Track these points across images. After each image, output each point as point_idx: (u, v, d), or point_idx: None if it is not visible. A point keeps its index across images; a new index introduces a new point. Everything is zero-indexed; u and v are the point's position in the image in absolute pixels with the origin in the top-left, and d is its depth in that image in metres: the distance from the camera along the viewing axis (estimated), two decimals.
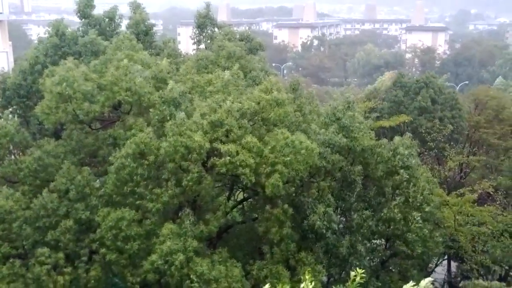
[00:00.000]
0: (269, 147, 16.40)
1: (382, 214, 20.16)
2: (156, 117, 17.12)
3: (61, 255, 17.06)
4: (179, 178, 16.41)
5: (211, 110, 16.50)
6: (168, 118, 16.78)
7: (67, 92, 17.81)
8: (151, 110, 17.54)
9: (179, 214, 17.13)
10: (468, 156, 34.46)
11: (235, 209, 22.88)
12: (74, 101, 18.01)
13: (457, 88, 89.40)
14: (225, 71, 18.87)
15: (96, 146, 20.14)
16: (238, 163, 15.62)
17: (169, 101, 16.90)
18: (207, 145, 15.89)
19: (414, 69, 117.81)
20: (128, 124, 18.20)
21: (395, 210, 19.72)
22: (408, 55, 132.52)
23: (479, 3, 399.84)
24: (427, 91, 37.37)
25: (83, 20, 29.16)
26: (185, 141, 15.64)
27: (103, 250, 16.77)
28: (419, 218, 19.60)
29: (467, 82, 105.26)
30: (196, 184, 16.16)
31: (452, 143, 35.74)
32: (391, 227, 20.28)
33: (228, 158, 15.68)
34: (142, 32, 28.64)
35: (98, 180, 18.67)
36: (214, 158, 16.13)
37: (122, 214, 16.39)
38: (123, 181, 16.61)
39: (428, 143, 34.75)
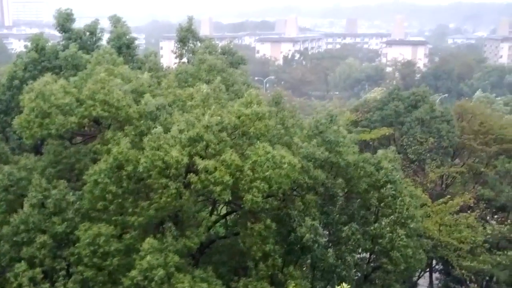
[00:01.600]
0: (249, 162, 16.28)
1: (371, 229, 20.09)
2: (133, 132, 16.93)
3: (38, 270, 16.77)
4: (159, 193, 16.18)
5: (189, 125, 16.35)
6: (146, 132, 16.61)
7: (42, 106, 17.50)
8: (126, 127, 17.36)
9: (160, 228, 16.89)
10: (450, 167, 34.82)
11: (218, 224, 22.67)
12: (51, 115, 17.70)
13: (437, 100, 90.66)
14: (205, 85, 18.77)
15: (74, 160, 19.84)
16: (212, 180, 15.51)
17: (146, 115, 16.73)
18: (185, 159, 15.72)
19: (394, 82, 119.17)
20: (106, 138, 17.93)
21: (387, 228, 19.66)
22: (388, 69, 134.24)
23: (457, 18, 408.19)
24: (425, 106, 38.23)
25: (63, 34, 28.90)
26: (163, 155, 15.46)
27: (80, 268, 16.42)
28: (403, 236, 19.56)
29: (446, 95, 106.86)
30: (176, 200, 15.95)
31: (438, 156, 36.06)
32: (377, 242, 20.21)
33: (204, 174, 15.56)
34: (124, 45, 28.45)
35: (71, 193, 18.26)
36: (191, 174, 15.98)
37: (99, 230, 16.08)
38: (98, 198, 16.34)
39: (409, 155, 35.08)
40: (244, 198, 16.03)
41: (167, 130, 16.52)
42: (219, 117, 16.51)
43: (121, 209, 16.56)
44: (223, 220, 22.76)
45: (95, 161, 18.79)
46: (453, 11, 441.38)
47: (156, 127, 16.27)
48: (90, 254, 16.04)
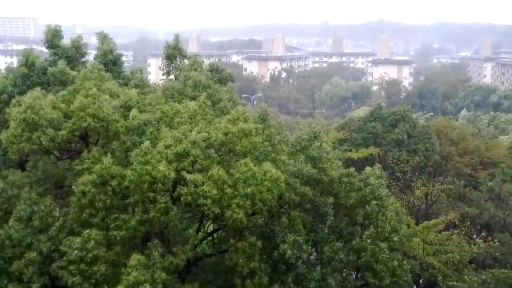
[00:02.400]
0: (232, 180, 16.30)
1: (354, 243, 20.12)
2: (119, 147, 16.88)
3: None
4: (146, 208, 16.06)
5: (176, 141, 16.35)
6: (131, 147, 16.56)
7: (32, 118, 17.38)
8: (114, 142, 17.31)
9: (147, 245, 16.73)
10: (433, 186, 35.08)
11: (205, 241, 22.52)
12: (40, 128, 17.58)
13: (422, 119, 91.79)
14: (192, 101, 18.81)
15: (61, 176, 19.67)
16: (201, 193, 15.49)
17: (133, 130, 16.71)
18: (172, 174, 15.70)
19: (380, 101, 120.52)
20: (92, 154, 17.83)
21: (368, 241, 19.68)
22: (374, 87, 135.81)
23: (441, 38, 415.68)
24: (404, 125, 38.24)
25: (51, 50, 28.92)
26: (150, 169, 15.42)
27: (66, 276, 16.06)
28: (385, 249, 19.59)
29: (431, 113, 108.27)
30: (164, 215, 15.85)
31: (422, 175, 36.32)
32: (361, 257, 20.23)
33: (193, 188, 15.52)
34: (110, 62, 28.53)
35: (58, 209, 18.06)
36: (181, 186, 15.92)
37: (89, 234, 15.85)
38: (86, 207, 16.17)
39: (396, 174, 35.28)
40: (225, 215, 16.02)
41: (154, 145, 16.50)
42: (206, 134, 16.53)
43: (104, 223, 16.38)
44: (210, 238, 22.63)
45: (80, 177, 18.65)
46: (437, 31, 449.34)
47: (143, 142, 16.22)
48: (77, 260, 15.77)
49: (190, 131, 16.70)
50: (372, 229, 20.06)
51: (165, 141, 16.46)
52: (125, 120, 17.60)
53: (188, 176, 15.66)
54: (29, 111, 17.36)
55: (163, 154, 15.89)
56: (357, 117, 45.85)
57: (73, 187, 16.55)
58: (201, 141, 16.25)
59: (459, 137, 40.62)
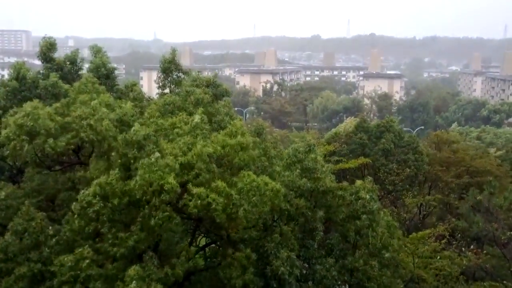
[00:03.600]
0: (236, 189, 16.42)
1: (347, 262, 20.06)
2: (119, 160, 16.90)
3: None
4: (145, 220, 16.04)
5: (182, 152, 16.47)
6: (132, 161, 16.61)
7: (31, 124, 17.36)
8: (113, 154, 17.32)
9: (142, 257, 16.72)
10: (424, 197, 35.33)
11: (198, 255, 22.51)
12: (39, 137, 17.57)
13: (414, 132, 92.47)
14: (196, 116, 18.89)
15: (55, 189, 19.64)
16: (211, 201, 15.56)
17: (133, 144, 16.78)
18: (178, 189, 15.78)
19: (372, 115, 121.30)
20: (91, 166, 17.85)
21: (360, 261, 19.70)
22: (366, 101, 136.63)
23: (431, 52, 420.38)
24: (389, 135, 38.51)
25: (44, 63, 28.97)
26: (159, 178, 15.46)
27: None
28: (376, 266, 19.62)
29: (422, 127, 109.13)
30: (166, 223, 15.82)
31: (413, 186, 36.57)
32: (354, 276, 20.22)
33: (199, 200, 15.59)
34: (103, 75, 28.63)
35: (50, 228, 17.95)
36: (187, 196, 15.95)
37: (82, 253, 15.79)
38: (88, 221, 16.04)
39: (387, 186, 35.52)
40: (237, 216, 15.98)
41: (155, 159, 16.50)
42: (210, 148, 16.67)
43: (104, 237, 16.32)
44: (202, 252, 22.62)
45: (73, 190, 18.62)
46: (427, 45, 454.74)
47: (143, 157, 16.22)
48: (71, 280, 15.69)
49: (194, 144, 16.81)
50: (364, 248, 20.06)
51: (171, 152, 16.54)
52: (121, 134, 17.67)
53: (195, 190, 15.73)
54: (27, 118, 17.33)
55: (171, 166, 15.95)
56: (345, 131, 46.16)
57: (78, 197, 16.33)
58: (205, 154, 16.38)
59: (459, 148, 41.16)
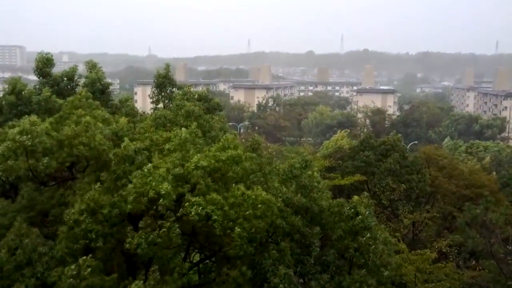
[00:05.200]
0: (229, 203, 16.25)
1: (342, 279, 19.74)
2: (110, 176, 16.73)
3: None
4: (142, 232, 15.78)
5: (174, 166, 16.33)
6: (122, 174, 16.45)
7: (29, 144, 17.16)
8: (103, 173, 17.14)
9: (136, 272, 16.50)
10: (420, 214, 35.24)
11: (191, 271, 22.22)
12: (35, 155, 17.38)
13: (408, 147, 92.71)
14: (183, 129, 18.84)
15: (48, 205, 19.40)
16: (208, 211, 15.38)
17: (124, 158, 16.63)
18: (174, 195, 15.59)
19: (365, 129, 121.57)
20: (83, 182, 17.66)
21: (358, 283, 19.42)
22: (359, 115, 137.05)
23: (424, 68, 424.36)
24: (395, 154, 38.12)
25: (41, 78, 28.85)
26: (154, 186, 15.25)
27: None
28: (373, 285, 19.35)
29: (416, 142, 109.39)
30: (166, 236, 15.53)
31: (410, 202, 36.39)
32: None
33: (200, 208, 15.39)
34: (98, 90, 28.57)
35: (43, 245, 17.65)
36: (186, 204, 15.72)
37: (85, 261, 15.46)
38: (76, 239, 15.81)
39: (383, 201, 35.37)
40: (234, 232, 15.77)
41: (146, 174, 16.33)
42: (205, 162, 16.54)
43: (101, 251, 16.06)
44: (196, 268, 22.35)
45: (66, 205, 18.40)
46: (420, 61, 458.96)
47: (133, 171, 16.08)
48: None
49: (186, 158, 16.69)
50: (364, 266, 19.76)
51: (164, 165, 16.39)
52: (115, 149, 17.54)
53: (194, 199, 15.55)
54: (25, 134, 17.16)
55: (164, 177, 15.79)
56: (336, 143, 45.99)
57: (64, 215, 16.20)
58: (201, 167, 16.25)
59: (449, 164, 41.19)
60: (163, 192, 15.19)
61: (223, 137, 18.87)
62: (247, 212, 15.96)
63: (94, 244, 15.83)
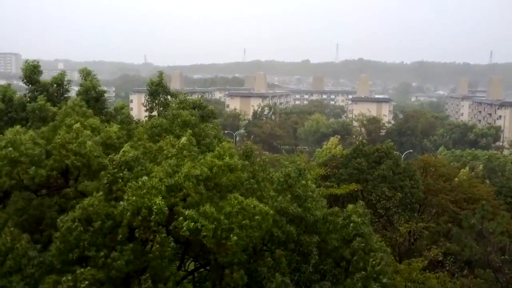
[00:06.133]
0: (224, 213, 16.11)
1: (342, 286, 19.62)
2: (106, 179, 16.57)
3: None
4: (135, 245, 15.60)
5: (167, 175, 16.20)
6: (120, 181, 16.29)
7: (12, 155, 17.07)
8: (102, 172, 16.98)
9: (130, 282, 16.26)
10: (417, 223, 35.16)
11: (186, 280, 22.03)
12: (20, 165, 17.27)
13: (402, 156, 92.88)
14: (183, 138, 18.70)
15: (40, 213, 19.20)
16: (199, 226, 15.24)
17: (121, 165, 16.48)
18: (166, 211, 15.46)
19: (361, 138, 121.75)
20: (79, 189, 17.49)
21: (359, 284, 19.30)
22: (355, 123, 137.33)
23: (418, 77, 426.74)
24: (388, 162, 38.29)
25: (30, 86, 28.73)
26: (147, 202, 15.12)
27: None
28: None
29: (411, 150, 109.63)
30: (160, 250, 15.39)
31: (406, 211, 36.34)
32: None
33: (192, 223, 15.25)
34: (93, 98, 28.42)
35: (33, 249, 17.47)
36: (179, 218, 15.60)
37: (82, 274, 15.22)
38: (69, 247, 15.63)
39: (378, 210, 35.28)
40: (223, 247, 15.62)
41: (143, 181, 16.21)
42: (197, 170, 16.42)
43: (93, 262, 15.85)
44: (190, 276, 22.16)
45: (60, 213, 18.21)
46: (415, 70, 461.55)
47: (143, 176, 15.92)
48: None
49: (180, 166, 16.56)
50: (360, 273, 19.69)
51: (157, 175, 16.26)
52: (112, 155, 17.39)
53: (186, 212, 15.41)
54: (9, 146, 17.06)
55: (158, 189, 15.65)
56: (329, 150, 46.01)
57: (57, 222, 15.98)
58: (193, 176, 16.13)
59: (447, 173, 41.26)
60: (155, 209, 15.09)
61: (220, 145, 18.77)
62: (243, 222, 15.84)
63: (86, 253, 15.67)
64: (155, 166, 17.33)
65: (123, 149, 16.70)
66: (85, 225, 15.55)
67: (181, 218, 15.48)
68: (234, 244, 15.59)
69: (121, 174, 16.34)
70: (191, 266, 22.45)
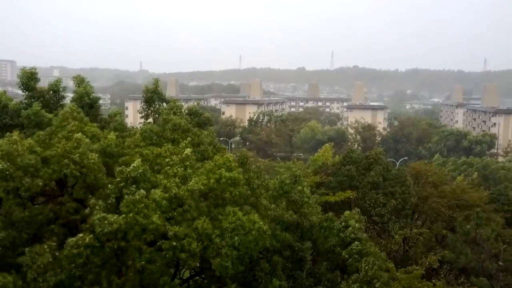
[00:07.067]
0: (219, 230, 16.06)
1: None
2: (113, 194, 16.34)
3: None
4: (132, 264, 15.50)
5: (175, 185, 16.12)
6: (126, 194, 16.12)
7: (8, 172, 16.76)
8: (109, 186, 16.70)
9: None
10: (411, 230, 35.16)
11: None
12: (16, 178, 16.96)
13: (397, 163, 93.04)
14: (187, 149, 18.49)
15: (36, 221, 19.02)
16: (179, 248, 15.23)
17: (127, 179, 16.23)
18: (162, 228, 15.38)
19: (356, 145, 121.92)
20: (86, 203, 17.11)
21: (354, 286, 19.30)
22: (350, 131, 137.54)
23: (414, 84, 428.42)
24: (378, 168, 38.15)
25: (26, 92, 28.65)
26: (141, 220, 14.99)
27: None
28: None
29: (406, 158, 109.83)
30: (150, 264, 15.36)
31: (400, 218, 36.34)
32: None
33: (174, 241, 15.21)
34: (87, 105, 28.34)
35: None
36: (163, 240, 15.59)
37: None
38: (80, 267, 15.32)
39: (373, 217, 35.25)
40: (212, 263, 15.65)
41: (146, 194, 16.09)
42: (201, 185, 16.34)
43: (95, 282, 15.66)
44: (186, 284, 22.06)
45: (55, 222, 18.07)
46: (410, 78, 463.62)
47: (139, 190, 15.76)
48: None
49: (185, 178, 16.48)
50: (355, 276, 19.71)
51: (160, 188, 16.14)
52: (104, 167, 17.24)
53: (171, 229, 15.34)
54: (4, 159, 16.72)
55: (158, 204, 15.55)
56: (320, 157, 45.97)
57: (65, 246, 15.60)
58: (197, 191, 16.07)
59: (439, 180, 41.29)
60: (150, 227, 15.01)
61: (223, 156, 18.59)
62: (236, 239, 15.85)
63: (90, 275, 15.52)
64: (159, 176, 17.14)
65: (133, 164, 16.41)
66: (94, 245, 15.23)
67: (162, 241, 15.46)
68: (218, 266, 15.56)
69: (131, 190, 16.04)
70: (186, 273, 22.37)
